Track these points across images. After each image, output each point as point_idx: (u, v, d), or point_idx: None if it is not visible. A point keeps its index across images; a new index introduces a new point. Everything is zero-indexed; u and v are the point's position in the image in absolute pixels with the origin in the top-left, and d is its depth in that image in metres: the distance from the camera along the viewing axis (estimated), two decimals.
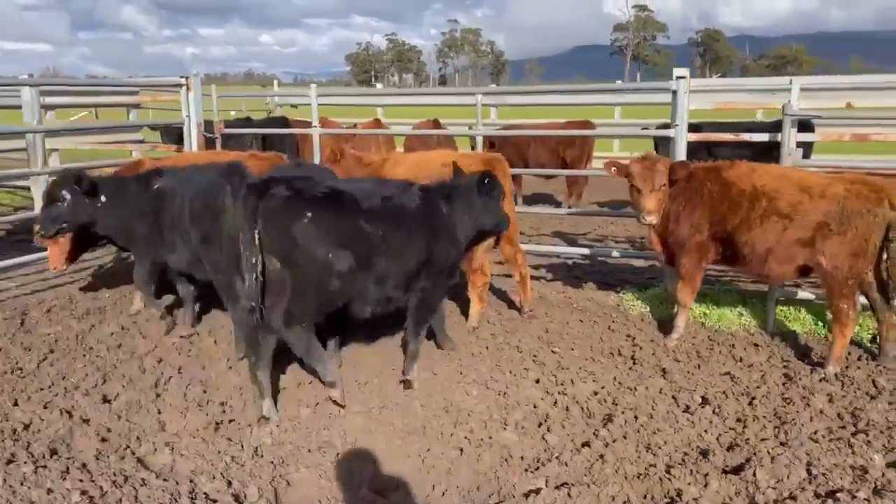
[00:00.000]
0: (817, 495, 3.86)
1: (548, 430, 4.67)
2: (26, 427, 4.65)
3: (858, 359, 5.89)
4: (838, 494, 3.81)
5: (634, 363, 5.87)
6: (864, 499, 3.75)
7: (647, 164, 5.99)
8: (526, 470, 4.21)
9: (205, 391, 5.30)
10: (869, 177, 5.63)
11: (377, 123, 13.33)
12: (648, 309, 7.06)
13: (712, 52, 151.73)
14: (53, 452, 4.30)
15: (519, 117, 16.32)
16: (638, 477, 4.09)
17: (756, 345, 6.27)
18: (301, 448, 4.46)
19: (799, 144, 9.59)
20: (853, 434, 4.57)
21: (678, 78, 6.73)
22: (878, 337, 5.92)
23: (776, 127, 10.20)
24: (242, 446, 4.48)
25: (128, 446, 4.45)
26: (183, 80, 8.31)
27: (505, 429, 4.70)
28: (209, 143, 8.86)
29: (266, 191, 4.51)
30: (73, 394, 5.18)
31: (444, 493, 3.93)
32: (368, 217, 4.76)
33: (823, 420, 4.83)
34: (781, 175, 5.76)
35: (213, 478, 4.11)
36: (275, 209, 4.49)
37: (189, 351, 6.05)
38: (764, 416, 4.88)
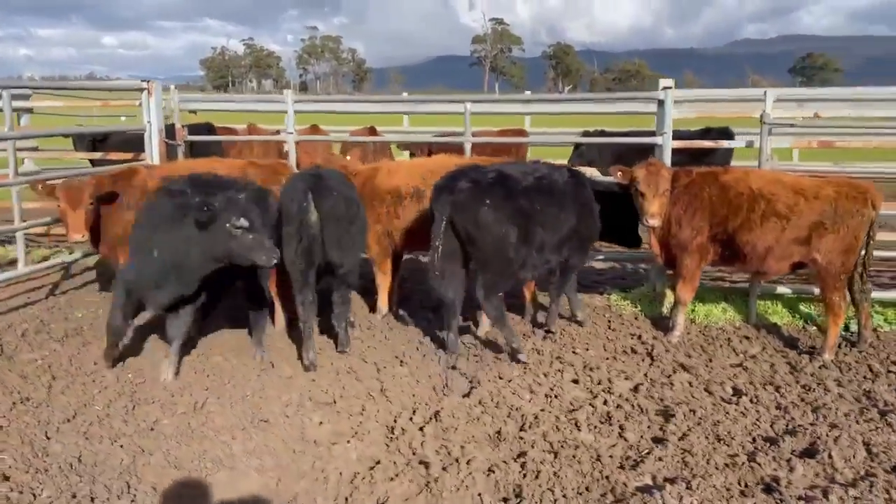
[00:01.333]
0: (886, 471, 4.22)
1: (620, 428, 4.79)
2: (79, 460, 4.18)
3: (840, 346, 6.44)
4: None
5: (653, 360, 6.12)
6: None
7: (652, 169, 6.29)
8: (621, 467, 4.29)
9: (257, 408, 5.00)
10: (853, 180, 6.22)
11: (315, 130, 12.98)
12: (640, 308, 7.38)
13: (563, 66, 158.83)
14: (128, 486, 3.90)
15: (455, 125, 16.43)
16: (728, 467, 4.29)
17: (747, 337, 6.72)
18: None
19: (716, 151, 10.47)
20: (881, 414, 5.03)
21: (664, 88, 7.11)
22: (857, 325, 6.52)
23: (702, 135, 11.02)
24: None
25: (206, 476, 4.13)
26: (144, 85, 7.71)
27: (579, 430, 4.77)
28: (171, 151, 8.28)
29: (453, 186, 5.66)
30: (107, 421, 4.70)
31: (564, 496, 3.93)
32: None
33: (847, 403, 5.27)
34: (775, 179, 6.24)
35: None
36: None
37: (196, 367, 5.69)
38: (794, 403, 5.25)
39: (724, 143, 7.97)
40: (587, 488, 4.06)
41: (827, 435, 4.65)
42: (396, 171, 7.10)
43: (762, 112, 6.88)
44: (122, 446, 4.42)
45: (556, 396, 5.32)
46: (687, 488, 3.91)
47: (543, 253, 6.03)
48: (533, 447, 4.50)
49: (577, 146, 11.62)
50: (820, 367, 5.99)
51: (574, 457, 4.37)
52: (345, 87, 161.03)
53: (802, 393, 5.47)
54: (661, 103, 7.16)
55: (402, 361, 5.97)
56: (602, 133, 12.40)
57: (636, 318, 7.18)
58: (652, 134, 7.51)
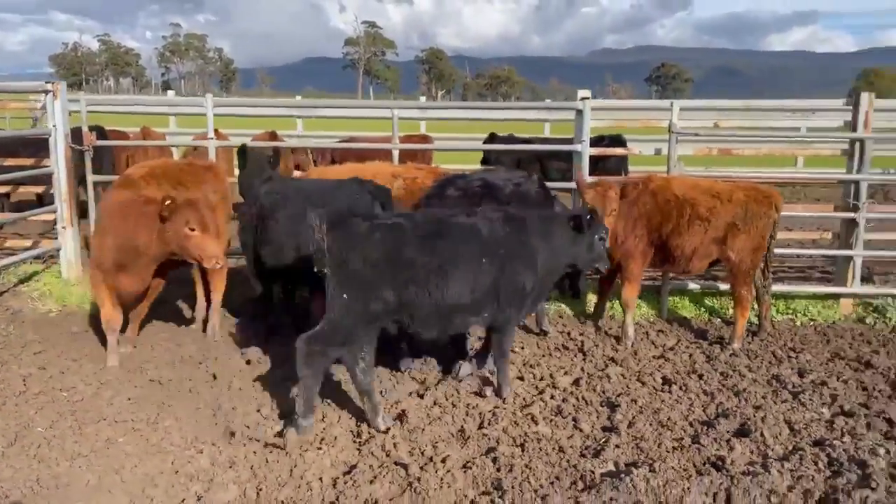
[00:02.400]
0: (810, 444, 4.76)
1: (574, 420, 5.09)
2: (38, 483, 3.98)
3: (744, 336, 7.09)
4: (825, 444, 4.74)
5: (585, 355, 6.50)
6: (843, 447, 4.68)
7: (600, 191, 6.54)
8: (584, 456, 4.59)
9: (217, 420, 4.90)
10: (759, 184, 6.88)
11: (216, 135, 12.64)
12: (564, 306, 7.77)
13: (436, 71, 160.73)
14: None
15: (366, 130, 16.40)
16: (677, 450, 4.69)
17: (662, 331, 7.27)
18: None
19: (607, 158, 11.15)
20: (793, 395, 5.64)
21: (582, 98, 7.55)
22: (758, 316, 7.20)
23: (596, 142, 11.67)
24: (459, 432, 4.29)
25: (184, 490, 4.04)
26: (49, 87, 7.27)
27: (536, 423, 5.02)
28: (78, 157, 7.83)
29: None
30: (57, 442, 4.48)
31: (540, 486, 4.16)
32: None
33: (761, 386, 5.85)
34: (693, 184, 6.80)
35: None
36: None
37: (141, 381, 5.52)
38: (718, 389, 5.78)
39: (636, 151, 8.53)
40: (557, 478, 4.31)
41: (754, 416, 5.16)
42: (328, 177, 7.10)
43: (669, 122, 7.46)
44: (82, 467, 4.23)
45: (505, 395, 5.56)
46: (650, 471, 4.25)
47: None
48: (499, 443, 4.72)
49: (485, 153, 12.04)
50: (731, 356, 6.59)
51: (540, 449, 4.63)
52: (212, 87, 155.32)
53: (722, 379, 6.00)
54: (579, 113, 7.59)
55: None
56: (511, 138, 12.88)
57: (561, 317, 7.58)
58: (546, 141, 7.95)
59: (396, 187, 6.42)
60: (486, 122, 15.30)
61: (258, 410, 5.17)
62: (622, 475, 4.21)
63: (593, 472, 4.33)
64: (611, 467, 4.43)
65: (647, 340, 6.99)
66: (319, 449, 4.58)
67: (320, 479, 4.23)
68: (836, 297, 7.87)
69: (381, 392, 5.57)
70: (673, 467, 4.35)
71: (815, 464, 4.47)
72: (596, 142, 11.67)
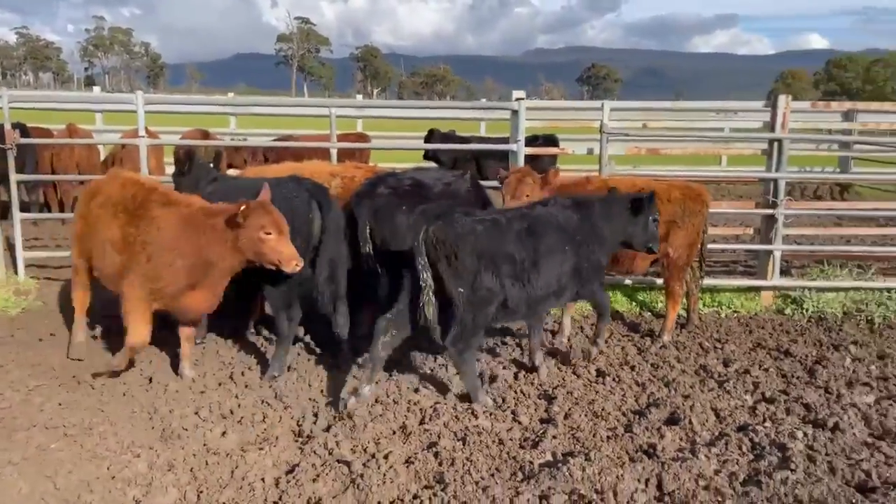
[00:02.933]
0: (735, 430, 5.02)
1: (513, 413, 5.22)
2: None
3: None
4: (749, 429, 5.00)
5: (522, 349, 6.64)
6: (765, 431, 4.96)
7: (518, 175, 6.75)
8: (522, 447, 4.71)
9: (153, 424, 4.82)
10: (690, 182, 7.16)
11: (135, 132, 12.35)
12: None
13: (372, 68, 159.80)
14: None
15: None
16: (611, 438, 4.87)
17: (595, 325, 7.47)
18: None
19: (541, 158, 11.41)
20: (719, 384, 5.91)
21: (517, 99, 7.71)
22: (687, 310, 7.50)
23: (530, 142, 11.92)
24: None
25: (121, 495, 3.97)
26: None
27: (476, 417, 5.12)
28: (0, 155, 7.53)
29: None
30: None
31: (481, 478, 4.26)
32: None
33: (689, 376, 6.12)
34: (631, 184, 7.01)
35: None
36: None
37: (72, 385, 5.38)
38: (650, 380, 6.01)
39: (569, 150, 8.74)
40: (498, 469, 4.43)
41: (683, 404, 5.39)
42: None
43: (601, 122, 7.69)
44: (13, 475, 4.11)
45: (446, 389, 5.65)
46: (586, 460, 4.40)
47: None
48: (440, 437, 4.80)
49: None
50: (661, 348, 6.85)
51: (481, 442, 4.73)
52: (138, 82, 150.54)
53: (653, 370, 6.24)
54: (514, 113, 7.74)
55: (289, 367, 6.01)
56: (453, 134, 12.97)
57: None
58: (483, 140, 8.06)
59: (334, 186, 6.41)
60: (422, 121, 15.43)
61: (196, 413, 5.11)
62: (559, 464, 4.34)
63: (532, 463, 4.46)
64: (549, 458, 4.56)
65: (582, 334, 7.20)
66: (261, 449, 4.57)
67: (262, 479, 4.23)
68: (758, 289, 8.26)
69: (321, 391, 5.60)
70: (608, 455, 4.52)
71: (740, 448, 4.71)
72: (530, 141, 11.94)
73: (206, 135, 12.45)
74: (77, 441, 4.58)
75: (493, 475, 4.33)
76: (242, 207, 5.06)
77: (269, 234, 5.16)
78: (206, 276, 5.30)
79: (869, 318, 7.78)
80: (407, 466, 4.36)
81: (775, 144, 7.90)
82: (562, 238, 5.43)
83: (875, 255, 8.90)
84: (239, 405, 5.24)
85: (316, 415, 5.14)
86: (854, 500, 4.04)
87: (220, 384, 5.65)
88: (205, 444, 4.67)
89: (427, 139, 12.27)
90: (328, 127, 8.40)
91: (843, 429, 4.99)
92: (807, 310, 7.99)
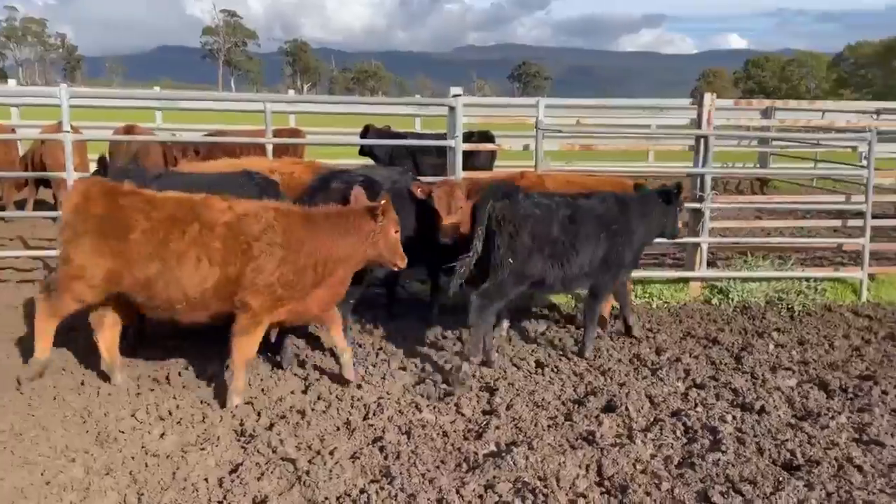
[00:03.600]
0: (669, 416, 5.21)
1: (456, 406, 5.28)
2: None
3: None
4: (681, 414, 5.20)
5: (462, 343, 6.71)
6: (696, 416, 5.18)
7: (447, 189, 6.56)
8: (466, 439, 4.79)
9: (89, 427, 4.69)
10: (621, 178, 7.36)
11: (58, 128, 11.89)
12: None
13: (301, 63, 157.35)
14: None
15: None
16: (552, 427, 4.99)
17: (534, 317, 7.63)
18: None
19: (476, 154, 11.56)
20: (652, 372, 6.12)
21: (454, 95, 7.78)
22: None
23: (465, 138, 12.04)
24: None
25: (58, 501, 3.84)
26: None
27: (420, 411, 5.17)
28: None
29: None
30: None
31: (427, 470, 4.30)
32: None
33: (624, 365, 6.31)
34: (566, 181, 7.16)
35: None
36: None
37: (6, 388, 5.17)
38: (587, 370, 6.17)
39: (505, 146, 8.85)
40: (443, 461, 4.48)
41: (619, 392, 5.56)
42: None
43: (536, 119, 7.83)
44: None
45: (390, 384, 5.67)
46: (529, 448, 4.51)
47: None
48: (385, 431, 4.82)
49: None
50: (596, 338, 7.02)
51: (426, 435, 4.77)
52: (53, 75, 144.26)
53: (591, 362, 6.39)
54: (452, 109, 7.81)
55: (227, 366, 5.90)
56: (389, 130, 12.94)
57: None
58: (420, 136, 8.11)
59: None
60: (356, 116, 15.34)
61: (133, 415, 4.98)
62: (503, 454, 4.44)
63: (476, 454, 4.54)
64: (492, 448, 4.65)
65: (520, 327, 7.32)
66: (203, 450, 4.49)
67: (206, 479, 4.17)
68: (686, 280, 8.57)
69: (262, 390, 5.53)
70: (549, 444, 4.65)
71: (674, 432, 4.91)
72: (466, 137, 12.05)
73: (133, 130, 12.08)
74: (7, 447, 4.41)
75: (438, 467, 4.39)
76: (383, 206, 5.19)
77: (398, 232, 5.38)
78: (333, 274, 5.24)
79: (789, 305, 8.17)
80: (353, 462, 4.37)
81: (702, 141, 8.20)
82: (598, 227, 6.05)
83: (794, 247, 9.35)
84: (177, 406, 5.14)
85: (259, 413, 5.09)
86: (781, 479, 4.26)
87: (156, 385, 5.52)
88: (143, 447, 4.56)
89: (363, 135, 12.22)
90: (257, 122, 8.29)
91: (769, 411, 5.26)
92: (732, 299, 8.33)
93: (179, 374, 5.76)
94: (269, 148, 8.10)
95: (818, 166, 15.01)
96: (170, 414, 5.03)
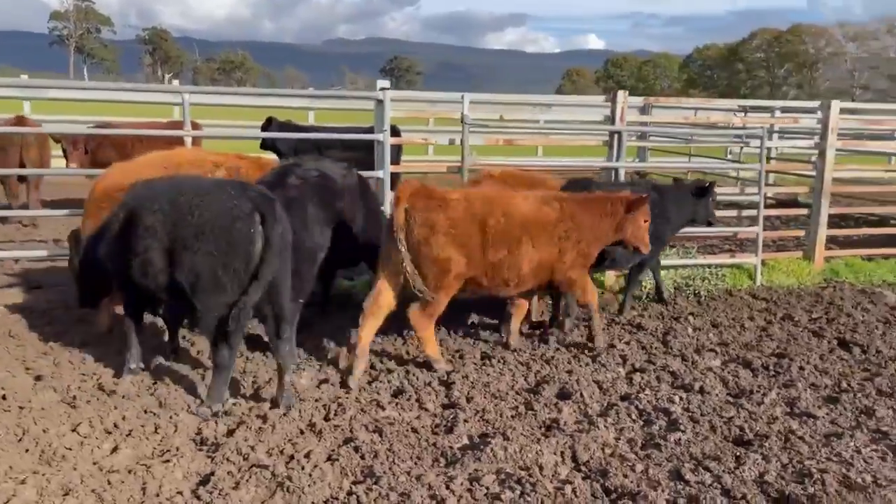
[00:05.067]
0: (619, 400, 5.44)
1: (417, 401, 5.25)
2: None
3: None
4: (631, 398, 5.44)
5: (405, 339, 6.68)
6: (646, 399, 5.44)
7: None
8: (436, 433, 4.78)
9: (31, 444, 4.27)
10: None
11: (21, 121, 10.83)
12: None
13: (161, 52, 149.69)
14: None
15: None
16: (517, 417, 5.08)
17: (467, 311, 7.70)
18: None
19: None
20: (593, 359, 6.34)
21: (382, 89, 7.68)
22: None
23: (367, 131, 11.98)
24: None
25: None
26: None
27: (383, 409, 5.10)
28: None
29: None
30: None
31: (410, 467, 4.26)
32: None
33: (564, 353, 6.50)
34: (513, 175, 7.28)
35: None
36: None
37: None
38: (532, 359, 6.30)
39: (432, 140, 8.85)
40: (419, 457, 4.45)
41: (569, 380, 5.74)
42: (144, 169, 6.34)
43: (462, 113, 7.90)
44: None
45: (344, 383, 5.55)
46: (505, 439, 4.57)
47: None
48: (353, 431, 4.73)
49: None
50: (530, 328, 7.20)
51: (396, 432, 4.72)
52: None
53: (533, 350, 6.54)
54: (379, 103, 7.72)
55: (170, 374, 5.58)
56: (287, 124, 12.59)
57: None
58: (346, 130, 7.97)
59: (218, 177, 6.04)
60: (240, 109, 14.83)
61: (74, 430, 4.59)
62: (480, 447, 4.47)
63: (452, 448, 4.54)
64: (465, 441, 4.67)
65: (458, 320, 7.34)
66: (167, 462, 4.22)
67: (179, 492, 3.92)
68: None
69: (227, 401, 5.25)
70: (522, 434, 4.72)
71: (629, 416, 5.13)
72: (371, 130, 11.97)
73: (22, 122, 11.10)
74: None
75: (416, 463, 4.36)
76: (637, 197, 6.19)
77: (646, 220, 6.26)
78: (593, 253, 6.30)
79: (696, 291, 8.70)
80: (331, 464, 4.25)
81: (616, 136, 8.57)
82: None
83: (697, 236, 9.97)
84: (123, 417, 4.79)
85: (216, 420, 4.84)
86: (738, 453, 4.55)
87: (91, 397, 5.12)
88: (96, 463, 4.22)
89: (265, 127, 11.83)
90: (136, 113, 7.85)
91: (708, 391, 5.61)
92: (645, 287, 8.77)
93: (115, 382, 5.37)
94: (189, 140, 7.66)
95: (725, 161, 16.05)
96: (116, 427, 4.68)
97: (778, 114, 13.07)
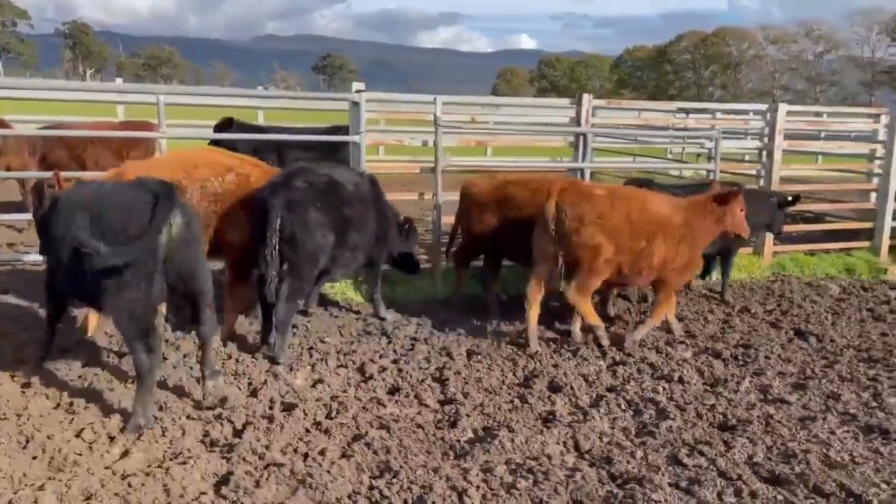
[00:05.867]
0: (609, 392, 5.69)
1: (416, 398, 5.38)
2: None
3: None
4: (618, 389, 5.71)
5: (390, 338, 6.77)
6: (632, 390, 5.72)
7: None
8: (441, 428, 4.92)
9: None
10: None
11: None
12: (350, 295, 7.94)
13: (83, 47, 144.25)
14: None
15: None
16: (515, 410, 5.27)
17: (444, 308, 7.85)
18: None
19: (346, 147, 11.61)
20: (573, 353, 6.58)
21: (358, 91, 7.76)
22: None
23: (332, 131, 12.03)
24: None
25: None
26: None
27: (384, 406, 5.21)
28: None
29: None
30: None
31: (425, 461, 4.39)
32: None
33: (544, 347, 6.72)
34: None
35: None
36: None
37: None
38: (517, 354, 6.48)
39: (407, 140, 8.95)
40: (429, 451, 4.59)
41: (556, 374, 5.96)
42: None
43: (435, 115, 8.05)
44: None
45: (336, 381, 5.64)
46: (510, 431, 4.75)
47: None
48: (360, 428, 4.83)
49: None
50: (498, 324, 7.39)
51: (402, 428, 4.84)
52: None
53: (511, 345, 6.74)
54: (355, 104, 7.79)
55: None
56: (233, 122, 12.41)
57: (350, 305, 7.76)
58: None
59: (228, 181, 5.98)
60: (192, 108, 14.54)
61: (78, 436, 4.55)
62: (488, 439, 4.64)
63: (459, 442, 4.70)
64: (470, 435, 4.83)
65: (437, 319, 7.47)
66: (183, 464, 4.23)
67: (203, 493, 3.95)
68: None
69: (216, 409, 5.25)
70: (526, 425, 4.91)
71: (619, 406, 5.38)
72: (334, 131, 11.96)
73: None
74: None
75: (428, 457, 4.49)
76: (731, 193, 6.78)
77: (742, 210, 6.85)
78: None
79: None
80: (347, 460, 4.35)
81: (581, 138, 8.87)
82: None
83: None
84: (125, 421, 4.75)
85: (220, 422, 4.85)
86: (725, 439, 4.86)
87: (88, 403, 5.03)
88: (108, 468, 4.21)
89: (222, 128, 11.67)
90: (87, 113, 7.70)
91: (687, 381, 5.92)
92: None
93: (112, 389, 5.30)
94: (164, 143, 7.55)
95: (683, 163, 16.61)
96: (121, 431, 4.65)
97: (719, 115, 13.64)
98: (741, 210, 6.83)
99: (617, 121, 10.83)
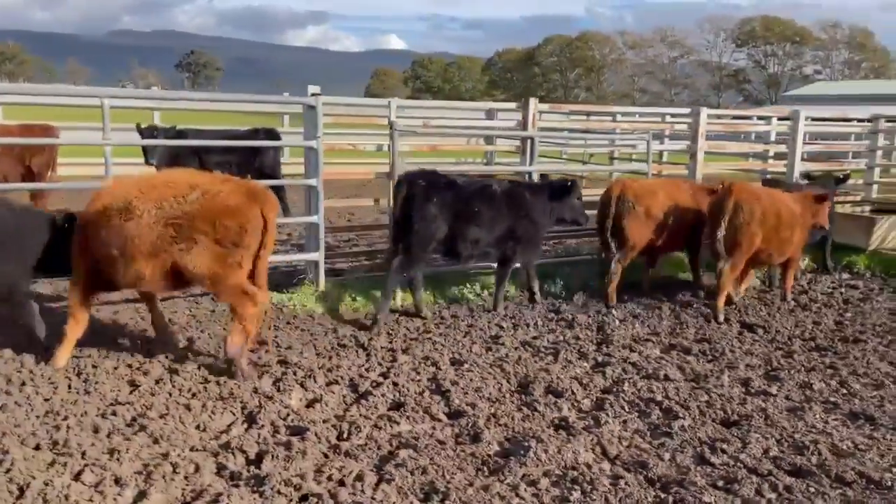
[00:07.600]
0: (606, 394, 5.76)
1: (425, 412, 5.21)
2: None
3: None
4: (614, 391, 5.79)
5: (368, 351, 6.54)
6: (631, 392, 5.80)
7: None
8: (462, 443, 4.79)
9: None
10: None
11: None
12: (312, 307, 7.62)
13: None
14: None
15: None
16: (526, 419, 5.21)
17: (411, 317, 7.70)
18: None
19: (265, 152, 11.24)
20: (554, 357, 6.62)
21: (313, 94, 7.44)
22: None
23: (251, 135, 11.61)
24: None
25: None
26: None
27: (398, 424, 5.01)
28: None
29: None
30: None
31: (467, 479, 4.25)
32: None
33: (528, 353, 6.71)
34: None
35: None
36: None
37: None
38: (502, 360, 6.43)
39: (341, 142, 8.65)
40: (461, 468, 4.45)
41: (549, 379, 5.95)
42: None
43: (389, 119, 7.86)
44: None
45: (335, 401, 5.38)
46: (539, 442, 4.69)
47: None
48: (381, 448, 4.62)
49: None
50: (470, 327, 7.35)
51: (426, 447, 4.65)
52: None
53: (494, 353, 6.67)
54: (311, 108, 7.45)
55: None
56: (154, 129, 11.70)
57: (312, 317, 7.43)
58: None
59: (191, 200, 5.33)
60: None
61: (77, 479, 4.04)
62: (520, 451, 4.56)
63: (489, 456, 4.59)
64: (496, 448, 4.72)
65: (403, 328, 7.31)
66: (215, 502, 3.87)
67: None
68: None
69: (199, 426, 4.85)
70: (550, 435, 4.87)
71: (623, 408, 5.46)
72: (251, 135, 11.48)
73: None
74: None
75: (460, 474, 4.35)
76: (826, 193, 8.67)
77: (830, 207, 8.65)
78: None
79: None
80: (388, 484, 4.14)
81: (528, 141, 8.96)
82: None
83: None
84: (127, 459, 4.30)
85: (233, 453, 4.48)
86: (737, 434, 5.02)
87: (77, 441, 4.50)
88: (118, 469, 3.80)
89: (149, 134, 10.90)
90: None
91: (672, 378, 6.09)
92: (558, 283, 9.25)
93: (104, 416, 4.77)
94: (108, 150, 6.87)
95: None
96: (124, 472, 4.19)
97: (637, 117, 14.24)
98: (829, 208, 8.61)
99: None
